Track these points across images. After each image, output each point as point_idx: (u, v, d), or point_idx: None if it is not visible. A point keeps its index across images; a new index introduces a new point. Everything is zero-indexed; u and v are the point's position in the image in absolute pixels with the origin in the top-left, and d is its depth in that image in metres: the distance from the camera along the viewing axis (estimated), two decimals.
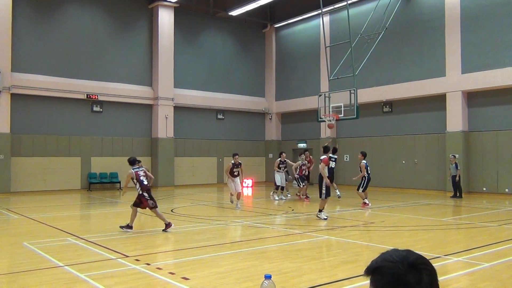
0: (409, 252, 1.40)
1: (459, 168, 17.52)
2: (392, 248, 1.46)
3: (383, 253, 1.40)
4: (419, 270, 1.34)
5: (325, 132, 24.39)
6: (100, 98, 22.02)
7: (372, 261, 1.40)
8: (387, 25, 19.80)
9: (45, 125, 20.84)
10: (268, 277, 3.43)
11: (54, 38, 21.16)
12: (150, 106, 23.92)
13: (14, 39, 19.87)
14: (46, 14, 21.07)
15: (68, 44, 21.52)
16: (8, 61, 19.48)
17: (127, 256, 7.29)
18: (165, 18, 23.88)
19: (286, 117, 28.05)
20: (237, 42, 27.46)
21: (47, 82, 20.60)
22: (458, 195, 17.42)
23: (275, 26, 27.92)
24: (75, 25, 21.80)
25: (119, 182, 22.42)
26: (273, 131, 28.25)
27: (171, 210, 13.96)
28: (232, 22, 26.83)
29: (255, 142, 27.92)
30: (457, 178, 17.36)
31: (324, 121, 18.67)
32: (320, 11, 20.00)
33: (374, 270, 1.37)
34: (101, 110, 22.38)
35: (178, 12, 24.47)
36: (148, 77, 23.97)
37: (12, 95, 19.62)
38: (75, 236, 9.29)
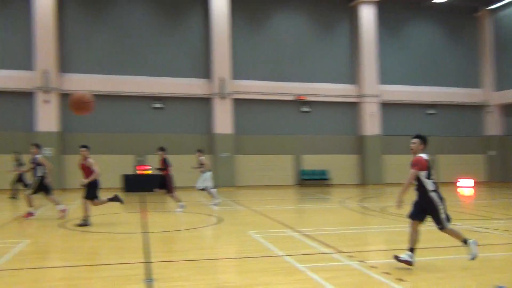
0: None
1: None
2: None
3: None
4: None
5: None
6: (308, 98, 23.33)
7: None
8: None
9: (262, 126, 23.16)
10: None
11: (265, 45, 23.24)
12: (355, 104, 24.13)
13: (233, 50, 22.49)
14: (259, 21, 23.27)
15: (275, 50, 23.41)
16: (227, 70, 22.14)
17: (342, 252, 7.42)
18: (367, 15, 23.71)
19: (511, 109, 24.68)
20: (444, 31, 25.44)
21: (260, 86, 22.85)
22: None
23: (490, 8, 24.83)
24: (283, 31, 23.53)
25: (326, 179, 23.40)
26: (493, 125, 25.21)
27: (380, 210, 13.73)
28: (438, 10, 24.96)
29: (470, 138, 25.40)
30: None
31: None
32: None
33: None
34: (309, 110, 23.66)
35: (380, 7, 24.00)
36: (352, 75, 24.18)
37: (234, 100, 22.34)
38: (293, 228, 9.91)
